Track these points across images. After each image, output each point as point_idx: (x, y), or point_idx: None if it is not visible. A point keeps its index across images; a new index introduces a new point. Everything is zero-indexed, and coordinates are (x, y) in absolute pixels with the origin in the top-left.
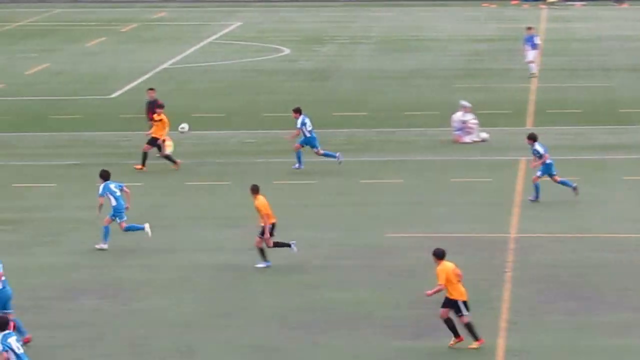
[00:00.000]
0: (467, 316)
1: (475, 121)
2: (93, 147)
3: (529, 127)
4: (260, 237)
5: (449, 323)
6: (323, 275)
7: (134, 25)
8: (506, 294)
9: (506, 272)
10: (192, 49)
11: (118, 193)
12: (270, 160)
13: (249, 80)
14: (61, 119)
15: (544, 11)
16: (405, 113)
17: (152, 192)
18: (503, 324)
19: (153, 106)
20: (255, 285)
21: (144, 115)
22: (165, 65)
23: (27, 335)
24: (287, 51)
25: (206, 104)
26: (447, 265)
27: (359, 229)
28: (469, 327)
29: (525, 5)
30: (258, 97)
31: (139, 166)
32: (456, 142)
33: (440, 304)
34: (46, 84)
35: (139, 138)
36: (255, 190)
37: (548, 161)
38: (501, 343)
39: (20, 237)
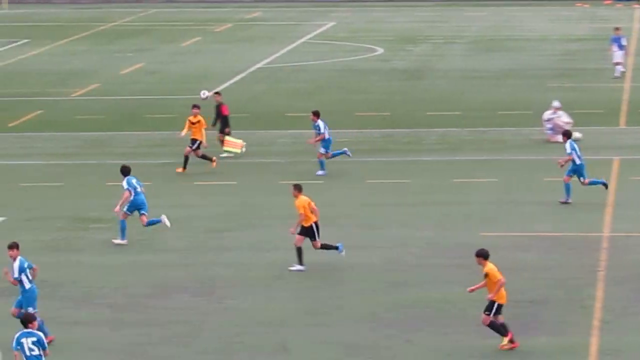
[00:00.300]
0: (489, 318)
1: (568, 120)
2: (186, 146)
3: (623, 127)
4: (299, 236)
5: (494, 326)
6: (416, 274)
7: (229, 25)
8: (599, 293)
9: (599, 271)
10: (286, 48)
11: (138, 189)
12: (364, 160)
13: (343, 80)
14: (155, 118)
15: (637, 11)
16: (499, 112)
17: (247, 191)
18: (596, 323)
19: (219, 110)
20: (348, 283)
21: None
22: (259, 65)
23: (51, 336)
24: (380, 51)
25: (299, 104)
26: (493, 266)
27: (453, 228)
28: (491, 326)
29: (619, 5)
30: (351, 97)
31: (180, 169)
32: (549, 141)
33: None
34: (141, 84)
35: (234, 136)
36: (298, 189)
37: (578, 162)
38: (594, 342)
39: (113, 236)
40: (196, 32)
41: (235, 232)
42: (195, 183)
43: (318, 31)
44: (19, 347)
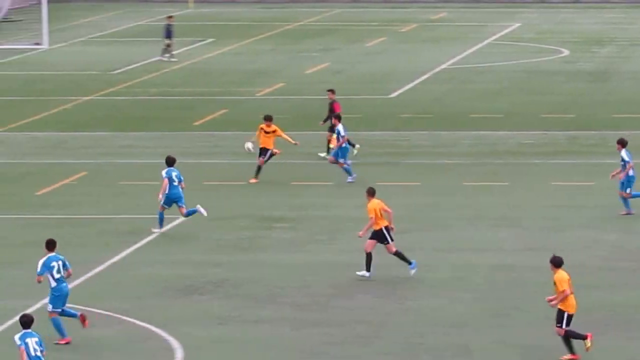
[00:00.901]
0: (564, 329)
1: None
2: (371, 147)
3: None
4: (370, 240)
5: (570, 335)
6: (600, 277)
7: (414, 25)
8: None
9: None
10: (472, 49)
11: (176, 182)
12: (548, 162)
13: (528, 81)
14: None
15: None
16: None
17: (430, 192)
18: None
19: (332, 108)
20: (530, 285)
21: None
22: (444, 66)
23: (67, 337)
24: (566, 52)
25: (484, 105)
26: (564, 273)
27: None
28: (567, 336)
29: None
30: (536, 98)
31: (253, 179)
32: None
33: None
34: (325, 83)
35: (417, 137)
36: (370, 193)
37: (630, 173)
38: None
39: (297, 235)
40: (381, 32)
41: (418, 233)
42: (378, 183)
43: (503, 32)
44: (23, 344)
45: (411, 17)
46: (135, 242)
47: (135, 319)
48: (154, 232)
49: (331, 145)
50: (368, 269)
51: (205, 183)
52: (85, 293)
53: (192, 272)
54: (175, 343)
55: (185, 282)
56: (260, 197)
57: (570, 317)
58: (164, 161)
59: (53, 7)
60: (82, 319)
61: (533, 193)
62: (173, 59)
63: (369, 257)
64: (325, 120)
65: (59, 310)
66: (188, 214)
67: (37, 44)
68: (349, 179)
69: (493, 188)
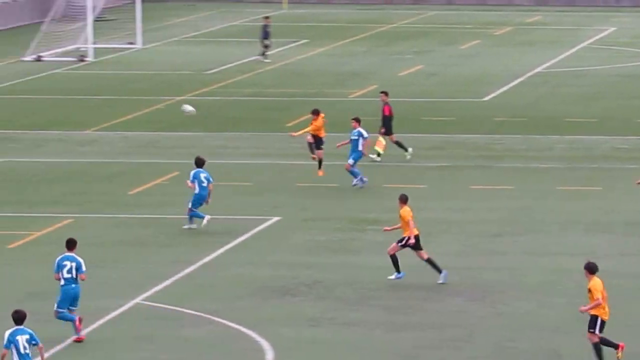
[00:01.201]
0: (597, 335)
1: None
2: (465, 149)
3: None
4: (397, 244)
5: (603, 342)
6: None
7: (509, 28)
8: None
9: None
10: (566, 53)
11: (205, 184)
12: None
13: (623, 86)
14: (433, 121)
15: None
16: None
17: (523, 195)
18: None
19: (383, 110)
20: (623, 290)
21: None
22: (538, 69)
23: (82, 335)
24: None
25: (578, 109)
26: (599, 280)
27: None
28: (601, 343)
29: None
30: (632, 103)
31: (320, 172)
32: None
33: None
34: (419, 86)
35: (511, 141)
36: (404, 199)
37: None
38: None
39: (389, 237)
40: (475, 35)
41: (510, 237)
42: (470, 187)
43: (598, 36)
44: (10, 345)
45: (506, 20)
46: (227, 243)
47: (226, 319)
48: (186, 228)
49: (377, 148)
50: (398, 270)
51: (298, 185)
52: (176, 293)
53: (283, 273)
54: (265, 344)
55: (276, 283)
56: (354, 199)
57: (603, 323)
58: (194, 162)
59: (147, 6)
60: (79, 321)
61: (627, 198)
62: (267, 60)
63: (394, 260)
64: (384, 127)
65: (63, 310)
66: (193, 215)
67: (131, 43)
68: (356, 182)
69: (587, 193)
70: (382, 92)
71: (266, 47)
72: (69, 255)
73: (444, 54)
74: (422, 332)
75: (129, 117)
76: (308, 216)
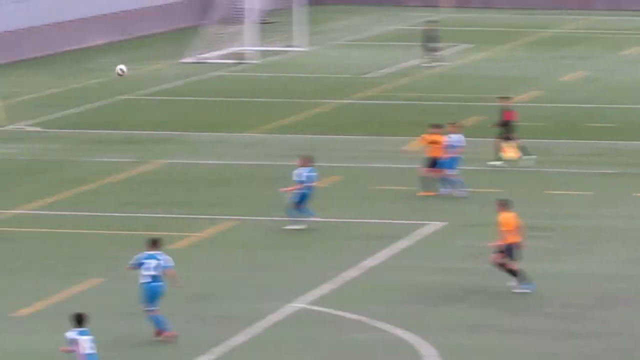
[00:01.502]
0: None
1: None
2: (630, 157)
3: None
4: (498, 254)
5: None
6: None
7: None
8: None
9: None
10: None
11: (309, 183)
12: None
13: None
14: (597, 127)
15: None
16: None
17: None
18: None
19: (502, 115)
20: None
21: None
22: None
23: (173, 331)
24: None
25: None
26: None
27: None
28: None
29: None
30: None
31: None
32: None
33: None
34: (582, 91)
35: None
36: (504, 205)
37: None
38: None
39: (551, 244)
40: (638, 41)
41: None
42: (634, 194)
43: None
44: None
45: None
46: (387, 247)
47: (389, 324)
48: (289, 229)
49: (502, 154)
50: (515, 277)
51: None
52: (338, 297)
53: (445, 278)
54: (429, 350)
55: (438, 289)
56: (514, 205)
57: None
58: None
59: (310, 9)
60: (158, 333)
61: None
62: (432, 64)
63: (501, 267)
64: (504, 131)
65: (151, 308)
66: (302, 212)
67: (294, 46)
68: (446, 190)
69: None
70: (501, 97)
71: (434, 51)
72: (151, 254)
73: (606, 59)
74: (590, 341)
75: (290, 119)
76: (466, 222)
